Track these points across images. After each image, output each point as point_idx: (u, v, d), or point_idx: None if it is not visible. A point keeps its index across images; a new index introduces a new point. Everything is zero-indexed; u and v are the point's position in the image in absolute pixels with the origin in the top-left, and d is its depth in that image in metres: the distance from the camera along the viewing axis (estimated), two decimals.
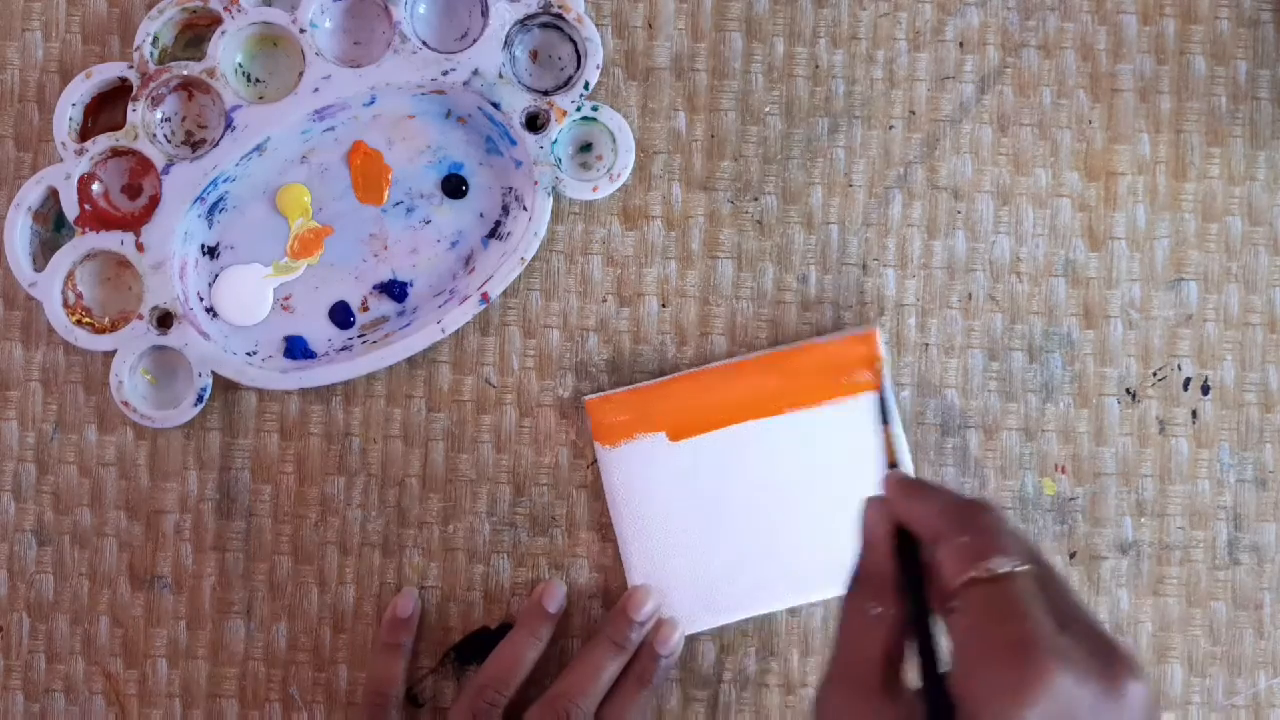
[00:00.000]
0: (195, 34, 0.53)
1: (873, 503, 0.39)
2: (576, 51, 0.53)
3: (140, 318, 0.52)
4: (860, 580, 0.37)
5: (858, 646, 0.36)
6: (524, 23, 0.52)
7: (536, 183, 0.52)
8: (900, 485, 0.38)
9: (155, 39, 0.52)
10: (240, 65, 0.53)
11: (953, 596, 0.34)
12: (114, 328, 0.53)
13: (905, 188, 0.54)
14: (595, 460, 0.53)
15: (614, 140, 0.53)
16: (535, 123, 0.53)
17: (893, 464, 0.43)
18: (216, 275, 0.53)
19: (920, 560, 0.37)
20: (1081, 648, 0.32)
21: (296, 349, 0.53)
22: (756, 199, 0.54)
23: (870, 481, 0.52)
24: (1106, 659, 0.33)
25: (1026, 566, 0.34)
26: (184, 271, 0.53)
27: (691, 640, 0.53)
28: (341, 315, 0.54)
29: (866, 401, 0.52)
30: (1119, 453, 0.54)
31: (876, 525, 0.38)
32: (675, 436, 0.52)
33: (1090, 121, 0.54)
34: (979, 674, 0.32)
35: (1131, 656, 0.33)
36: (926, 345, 0.54)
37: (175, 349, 0.52)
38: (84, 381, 0.53)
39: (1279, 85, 0.54)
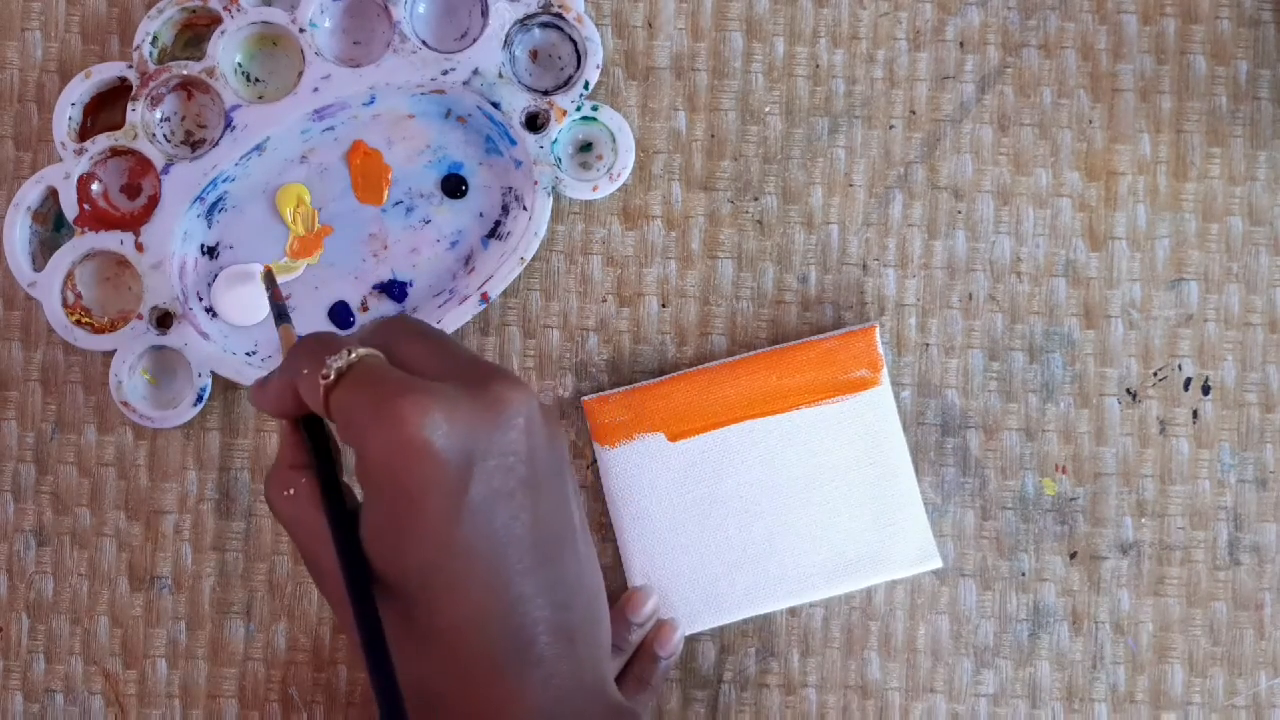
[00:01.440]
0: (195, 34, 0.53)
1: (254, 390, 0.37)
2: (576, 51, 0.53)
3: (140, 317, 0.52)
4: (274, 471, 0.36)
5: (301, 524, 0.35)
6: (524, 22, 0.52)
7: (536, 182, 0.52)
8: (254, 385, 0.37)
9: (155, 38, 0.52)
10: (240, 65, 0.53)
11: (329, 416, 0.33)
12: (113, 327, 0.53)
13: (905, 188, 0.54)
14: (595, 460, 0.53)
15: (614, 140, 0.53)
16: (535, 122, 0.53)
17: (280, 312, 0.41)
18: (216, 275, 0.53)
19: (323, 432, 0.36)
20: (455, 383, 0.32)
21: None
22: (757, 199, 0.54)
23: (867, 484, 0.52)
24: (482, 389, 0.32)
25: (364, 350, 0.33)
26: (183, 271, 0.53)
27: (691, 640, 0.53)
28: (341, 315, 0.53)
29: (869, 410, 0.52)
30: (1119, 453, 0.54)
31: (280, 423, 0.37)
32: (674, 436, 0.52)
33: (1091, 121, 0.54)
34: (363, 458, 0.32)
35: (512, 382, 0.33)
36: (927, 345, 0.54)
37: (175, 349, 0.52)
38: (83, 381, 0.53)
39: (1279, 85, 0.54)
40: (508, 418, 0.33)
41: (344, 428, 0.33)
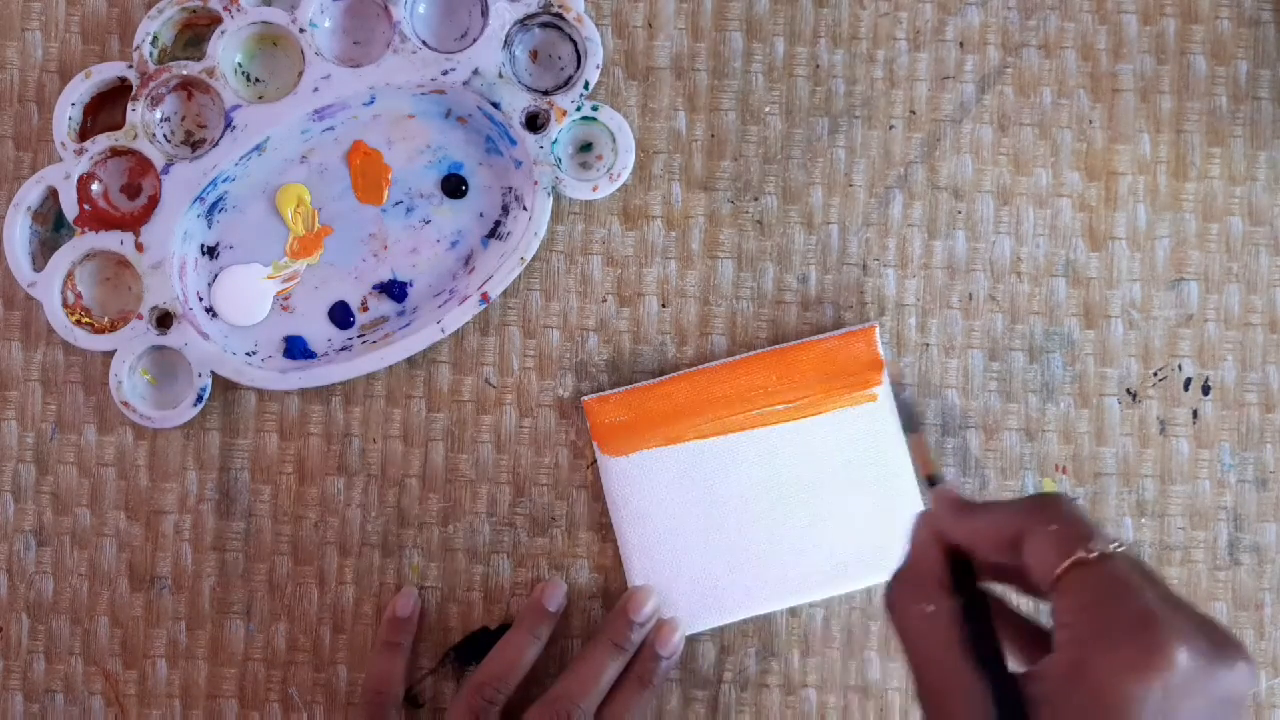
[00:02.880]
0: (195, 34, 0.53)
1: (922, 521, 0.40)
2: (576, 51, 0.53)
3: (140, 317, 0.52)
4: (909, 582, 0.38)
5: (930, 641, 0.36)
6: (524, 22, 0.52)
7: (536, 183, 0.52)
8: (952, 506, 0.39)
9: (155, 38, 0.52)
10: (240, 65, 0.53)
11: (1054, 583, 0.35)
12: (113, 328, 0.53)
13: (905, 188, 0.54)
14: (595, 460, 0.53)
15: (614, 140, 0.53)
16: (535, 122, 0.53)
17: (932, 477, 0.43)
18: (216, 275, 0.53)
19: (969, 570, 0.38)
20: (1191, 624, 0.33)
21: (296, 349, 0.53)
22: (757, 199, 0.54)
23: (867, 484, 0.52)
24: (1215, 636, 0.34)
25: (1124, 546, 0.35)
26: (183, 271, 0.53)
27: (691, 640, 0.53)
28: (341, 315, 0.54)
29: (868, 410, 0.52)
30: (1119, 453, 0.54)
31: (927, 542, 0.39)
32: (674, 439, 0.52)
33: (1091, 121, 0.54)
34: (1097, 652, 0.33)
35: (1236, 635, 0.34)
36: (927, 345, 0.54)
37: (175, 349, 0.52)
38: (83, 381, 0.53)
39: (1279, 85, 0.54)
40: (1237, 664, 0.33)
41: (1072, 609, 0.34)
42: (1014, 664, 0.37)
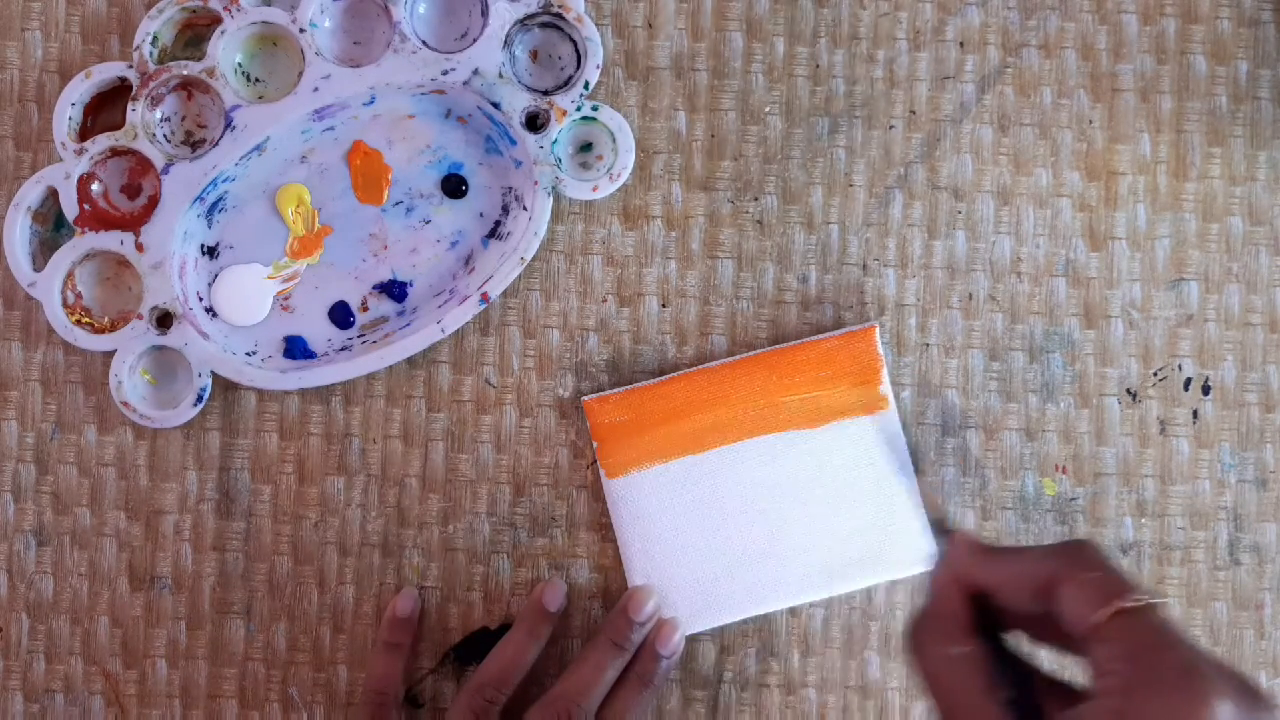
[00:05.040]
0: (195, 34, 0.53)
1: (943, 563, 0.40)
2: (576, 51, 0.53)
3: (140, 318, 0.52)
4: (934, 624, 0.38)
5: (958, 684, 0.37)
6: (524, 22, 0.52)
7: (536, 183, 0.52)
8: (975, 551, 0.39)
9: (155, 38, 0.52)
10: (240, 65, 0.53)
11: (1096, 630, 0.35)
12: (113, 328, 0.53)
13: (905, 188, 0.54)
14: (595, 460, 0.53)
15: (614, 140, 0.53)
16: (535, 122, 0.53)
17: (938, 521, 0.43)
18: (216, 275, 0.53)
19: (993, 614, 0.38)
20: (1230, 678, 0.34)
21: (296, 349, 0.53)
22: (757, 199, 0.54)
23: (867, 485, 0.52)
24: (1252, 691, 0.34)
25: (1162, 599, 0.36)
26: (183, 271, 0.53)
27: (691, 640, 0.53)
28: (341, 315, 0.54)
29: (872, 423, 0.52)
30: (1120, 453, 0.54)
31: (949, 583, 0.39)
32: (674, 448, 0.52)
33: (1091, 121, 0.54)
34: (1141, 701, 0.33)
35: (1270, 694, 0.35)
36: (927, 345, 0.54)
37: (175, 349, 0.52)
38: (84, 381, 0.53)
39: (1279, 85, 0.54)
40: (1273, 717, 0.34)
41: (1114, 658, 0.34)
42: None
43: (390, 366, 0.53)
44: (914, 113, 0.54)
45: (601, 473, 0.53)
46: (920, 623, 0.39)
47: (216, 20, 0.52)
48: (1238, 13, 0.54)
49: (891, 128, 0.54)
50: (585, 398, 0.53)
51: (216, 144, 0.52)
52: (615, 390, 0.53)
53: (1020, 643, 0.39)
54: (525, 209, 0.53)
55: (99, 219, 0.52)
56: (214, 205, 0.53)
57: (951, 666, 0.37)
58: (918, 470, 0.45)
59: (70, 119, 0.52)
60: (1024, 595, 0.37)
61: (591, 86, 0.52)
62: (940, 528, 0.42)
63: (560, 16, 0.52)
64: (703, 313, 0.54)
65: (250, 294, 0.53)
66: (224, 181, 0.53)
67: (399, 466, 0.53)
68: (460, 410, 0.54)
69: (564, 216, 0.54)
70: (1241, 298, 0.54)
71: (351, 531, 0.53)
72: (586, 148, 0.54)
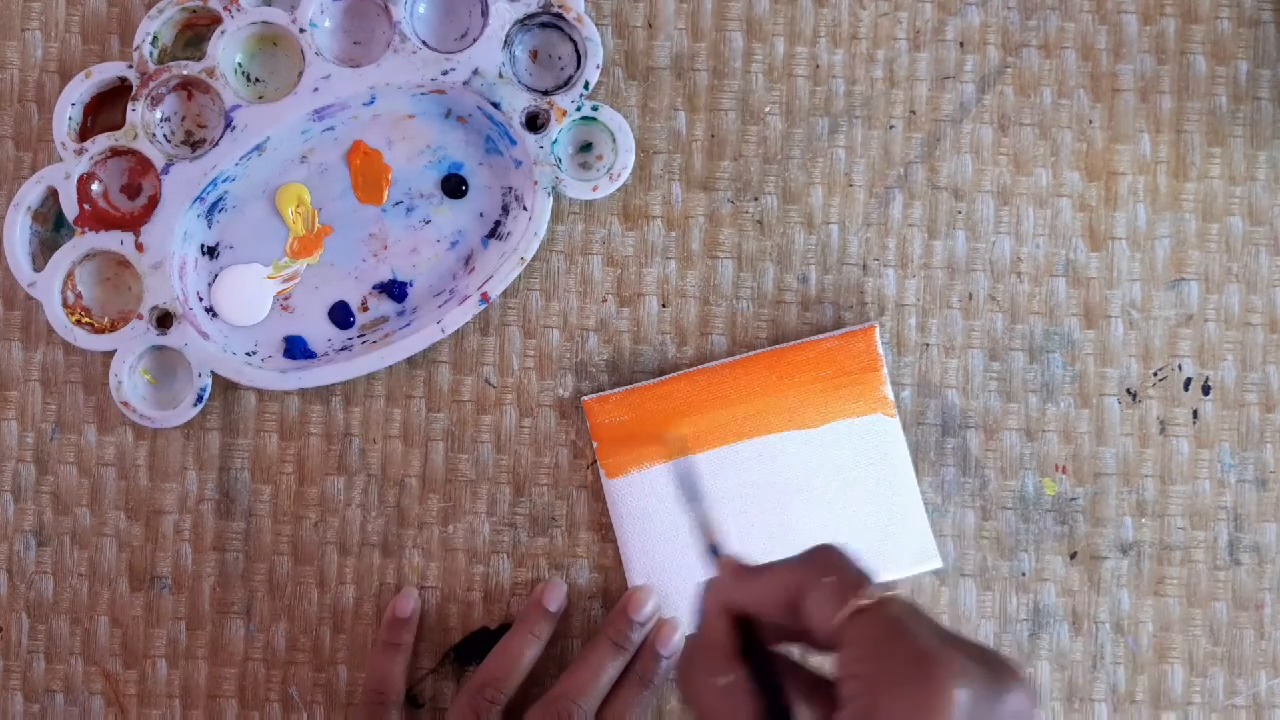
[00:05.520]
0: (195, 34, 0.53)
1: (709, 588, 0.40)
2: (576, 51, 0.53)
3: (140, 318, 0.52)
4: (700, 656, 0.38)
5: (726, 714, 0.37)
6: (524, 22, 0.52)
7: (536, 182, 0.52)
8: (732, 572, 0.39)
9: (155, 38, 0.52)
10: (240, 65, 0.53)
11: (836, 634, 0.35)
12: (113, 328, 0.53)
13: (905, 188, 0.54)
14: (595, 460, 0.53)
15: (614, 140, 0.53)
16: (535, 122, 0.53)
17: (712, 546, 0.43)
18: (216, 275, 0.53)
19: (757, 634, 0.38)
20: (967, 658, 0.34)
21: (296, 349, 0.53)
22: (756, 199, 0.54)
23: (866, 485, 0.52)
24: (992, 667, 0.34)
25: (896, 590, 0.35)
26: (183, 271, 0.53)
27: None
28: (341, 315, 0.54)
29: (872, 423, 0.52)
30: (1120, 453, 0.54)
31: (715, 609, 0.39)
32: (674, 449, 0.52)
33: (1091, 121, 0.54)
34: (881, 697, 0.33)
35: (1013, 661, 0.35)
36: (927, 345, 0.54)
37: (175, 349, 0.52)
38: (84, 381, 0.53)
39: (1279, 85, 0.54)
40: (1014, 692, 0.34)
41: (854, 659, 0.34)
42: None
43: (390, 366, 0.53)
44: (914, 113, 0.54)
45: (601, 473, 0.53)
46: (688, 655, 0.39)
47: (216, 20, 0.52)
48: (1238, 13, 0.54)
49: (891, 128, 0.54)
50: (585, 398, 0.53)
51: (216, 144, 0.52)
52: (615, 390, 0.53)
53: (796, 654, 0.39)
54: (525, 209, 0.53)
55: (99, 219, 0.52)
56: (214, 205, 0.53)
57: (718, 697, 0.37)
58: (691, 498, 0.45)
59: (70, 119, 0.52)
60: (780, 610, 0.37)
61: (591, 86, 0.52)
62: (712, 553, 0.42)
63: (560, 16, 0.52)
64: (703, 313, 0.54)
65: (250, 294, 0.53)
66: (224, 181, 0.53)
67: (399, 466, 0.53)
68: (460, 410, 0.54)
69: (564, 216, 0.54)
70: (1241, 298, 0.54)
71: (351, 531, 0.53)
72: (586, 148, 0.54)
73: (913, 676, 0.33)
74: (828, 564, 0.36)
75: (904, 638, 0.34)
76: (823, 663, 0.38)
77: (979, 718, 0.33)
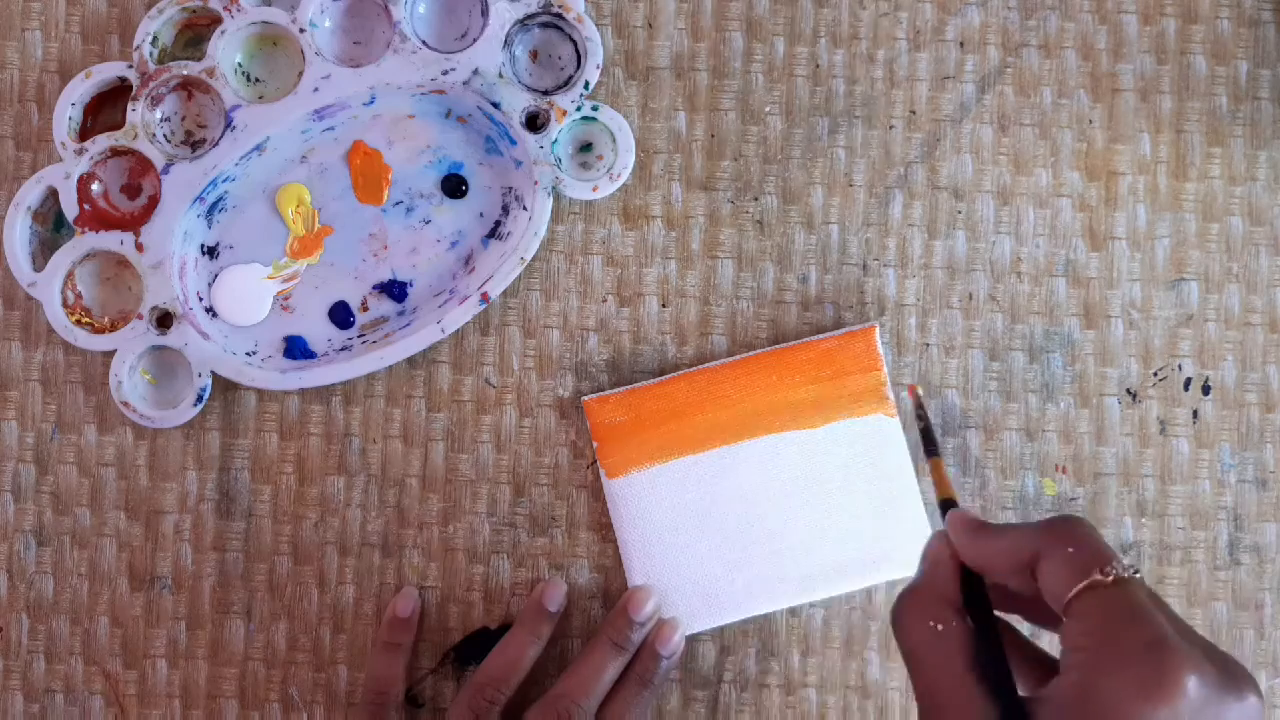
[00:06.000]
0: (195, 34, 0.53)
1: (939, 539, 0.40)
2: (576, 51, 0.53)
3: (140, 318, 0.52)
4: (921, 599, 0.38)
5: (939, 662, 0.36)
6: (524, 22, 0.52)
7: (536, 182, 0.52)
8: (968, 527, 0.39)
9: (155, 38, 0.52)
10: (240, 65, 0.53)
11: (1069, 605, 0.34)
12: (113, 328, 0.53)
13: (906, 188, 0.54)
14: (595, 460, 0.53)
15: (614, 140, 0.53)
16: (535, 122, 0.53)
17: (949, 500, 0.43)
18: (216, 275, 0.53)
19: (981, 589, 0.38)
20: (1203, 653, 0.33)
21: (296, 349, 0.53)
22: (757, 199, 0.54)
23: (867, 484, 0.52)
24: (1227, 667, 0.33)
25: (1139, 573, 0.35)
26: (184, 271, 0.53)
27: (691, 640, 0.53)
28: (341, 315, 0.54)
29: (872, 423, 0.52)
30: (1120, 453, 0.54)
31: (942, 561, 0.39)
32: (674, 449, 0.52)
33: (1091, 121, 0.54)
34: (1107, 676, 0.33)
35: (1246, 668, 0.34)
36: (927, 345, 0.54)
37: (175, 349, 0.52)
38: (84, 381, 0.53)
39: (1279, 85, 0.54)
40: (1247, 697, 0.33)
41: (1084, 632, 0.34)
42: (1023, 691, 0.37)
43: (390, 366, 0.53)
44: (914, 113, 0.54)
45: (601, 473, 0.53)
46: (906, 597, 0.38)
47: (216, 20, 0.52)
48: (1238, 13, 0.54)
49: (891, 128, 0.54)
50: (585, 398, 0.53)
51: (216, 144, 0.52)
52: (615, 390, 0.53)
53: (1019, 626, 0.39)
54: (525, 209, 0.53)
55: (99, 219, 0.52)
56: (214, 205, 0.53)
57: (933, 643, 0.36)
58: (935, 453, 0.44)
59: (70, 119, 0.52)
60: (1011, 572, 0.37)
61: (591, 86, 0.52)
62: (947, 507, 0.42)
63: (560, 16, 0.52)
64: (703, 313, 0.54)
65: (250, 294, 0.53)
66: (224, 181, 0.53)
67: (399, 466, 0.53)
68: (460, 410, 0.54)
69: (564, 216, 0.54)
70: (1241, 298, 0.54)
71: (351, 531, 0.53)
72: (586, 148, 0.54)
73: (1145, 659, 0.32)
74: (1072, 535, 0.36)
75: (1142, 621, 0.33)
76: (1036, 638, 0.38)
77: (1205, 713, 0.32)
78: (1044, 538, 0.36)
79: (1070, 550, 0.35)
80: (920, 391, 0.50)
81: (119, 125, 0.52)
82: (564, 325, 0.54)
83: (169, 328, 0.52)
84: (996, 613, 0.38)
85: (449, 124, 0.54)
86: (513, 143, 0.53)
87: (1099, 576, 0.34)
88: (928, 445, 0.45)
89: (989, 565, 0.38)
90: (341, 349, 0.53)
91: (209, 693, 0.53)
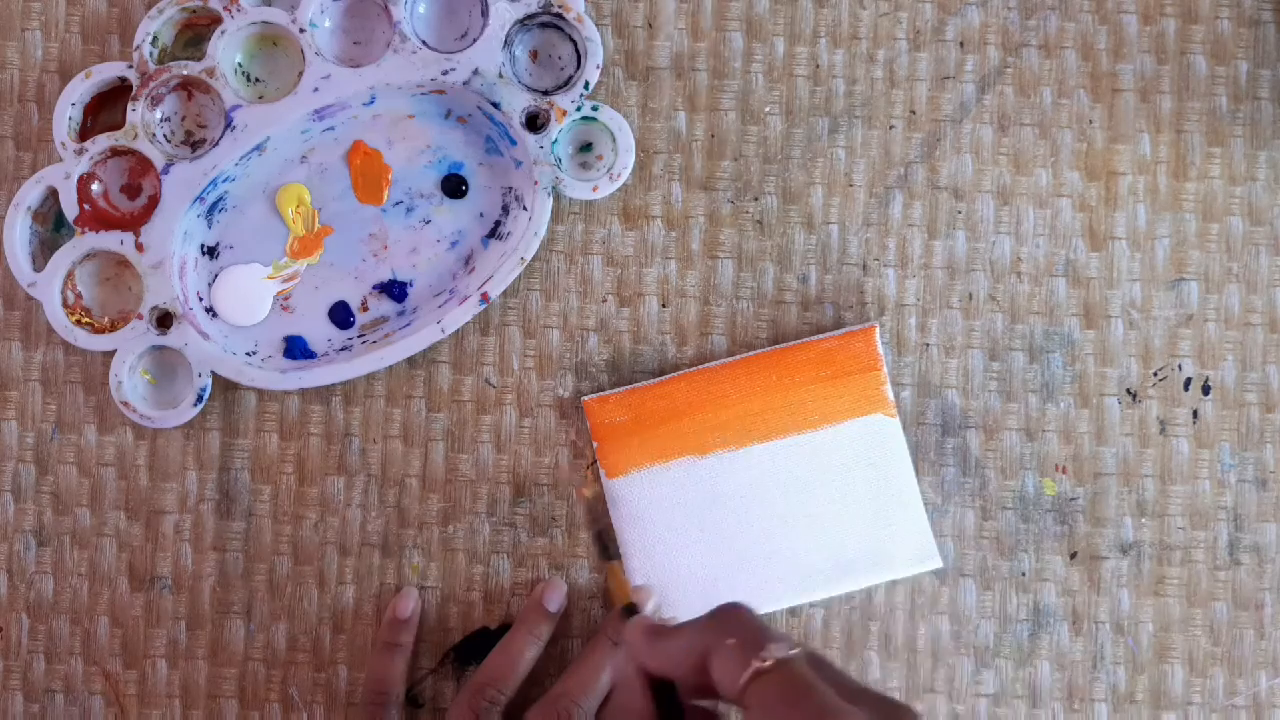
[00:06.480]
0: (195, 34, 0.53)
1: (622, 657, 0.40)
2: (576, 51, 0.53)
3: (140, 317, 0.52)
4: (618, 718, 0.38)
5: None
6: (524, 22, 0.52)
7: (536, 182, 0.52)
8: (645, 635, 0.39)
9: (155, 38, 0.52)
10: (240, 65, 0.53)
11: (741, 697, 0.35)
12: (114, 328, 0.53)
13: (905, 188, 0.54)
14: (595, 460, 0.53)
15: (614, 140, 0.53)
16: (535, 122, 0.53)
17: (630, 607, 0.43)
18: (216, 275, 0.53)
19: (674, 694, 0.38)
20: (870, 709, 0.34)
21: (296, 349, 0.53)
22: (757, 199, 0.54)
23: (867, 485, 0.52)
24: (896, 713, 0.34)
25: (798, 650, 0.35)
26: (184, 271, 0.53)
27: None
28: (341, 315, 0.54)
29: (872, 423, 0.52)
30: (1120, 453, 0.54)
31: (627, 679, 0.39)
32: (675, 450, 0.52)
33: (1091, 121, 0.54)
34: None
35: (915, 712, 0.35)
36: (927, 345, 0.54)
37: (175, 349, 0.52)
38: (84, 381, 0.53)
39: (1279, 85, 0.54)
40: None
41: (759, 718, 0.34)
42: None
43: (390, 366, 0.53)
44: (914, 113, 0.54)
45: (601, 473, 0.53)
46: (608, 717, 0.39)
47: (216, 20, 0.52)
48: (1238, 13, 0.54)
49: (891, 128, 0.54)
50: (585, 398, 0.53)
51: (216, 144, 0.52)
52: (615, 390, 0.53)
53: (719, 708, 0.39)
54: (525, 209, 0.53)
55: (99, 219, 0.52)
56: (214, 205, 0.53)
57: None
58: (612, 555, 0.45)
59: (70, 119, 0.52)
60: (690, 673, 0.37)
61: (591, 86, 0.52)
62: (629, 612, 0.42)
63: (560, 16, 0.52)
64: (703, 313, 0.54)
65: (250, 294, 0.53)
66: (224, 181, 0.53)
67: (399, 466, 0.53)
68: (460, 410, 0.54)
69: (564, 216, 0.54)
70: (1241, 298, 0.54)
71: (351, 531, 0.53)
72: (586, 148, 0.54)
73: None
74: (730, 625, 0.36)
75: (804, 697, 0.34)
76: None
77: None
78: (708, 635, 0.37)
79: (731, 642, 0.36)
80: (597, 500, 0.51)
81: (119, 125, 0.52)
82: (564, 325, 0.54)
83: (169, 328, 0.52)
84: (721, 705, 0.39)
85: (449, 124, 0.54)
86: (513, 143, 0.53)
87: (759, 664, 0.35)
88: (604, 550, 0.45)
89: (671, 672, 0.38)
90: (341, 349, 0.53)
91: (209, 693, 0.53)
